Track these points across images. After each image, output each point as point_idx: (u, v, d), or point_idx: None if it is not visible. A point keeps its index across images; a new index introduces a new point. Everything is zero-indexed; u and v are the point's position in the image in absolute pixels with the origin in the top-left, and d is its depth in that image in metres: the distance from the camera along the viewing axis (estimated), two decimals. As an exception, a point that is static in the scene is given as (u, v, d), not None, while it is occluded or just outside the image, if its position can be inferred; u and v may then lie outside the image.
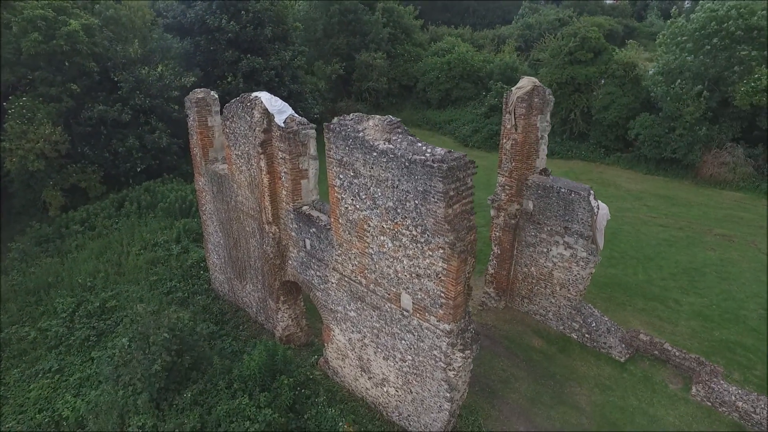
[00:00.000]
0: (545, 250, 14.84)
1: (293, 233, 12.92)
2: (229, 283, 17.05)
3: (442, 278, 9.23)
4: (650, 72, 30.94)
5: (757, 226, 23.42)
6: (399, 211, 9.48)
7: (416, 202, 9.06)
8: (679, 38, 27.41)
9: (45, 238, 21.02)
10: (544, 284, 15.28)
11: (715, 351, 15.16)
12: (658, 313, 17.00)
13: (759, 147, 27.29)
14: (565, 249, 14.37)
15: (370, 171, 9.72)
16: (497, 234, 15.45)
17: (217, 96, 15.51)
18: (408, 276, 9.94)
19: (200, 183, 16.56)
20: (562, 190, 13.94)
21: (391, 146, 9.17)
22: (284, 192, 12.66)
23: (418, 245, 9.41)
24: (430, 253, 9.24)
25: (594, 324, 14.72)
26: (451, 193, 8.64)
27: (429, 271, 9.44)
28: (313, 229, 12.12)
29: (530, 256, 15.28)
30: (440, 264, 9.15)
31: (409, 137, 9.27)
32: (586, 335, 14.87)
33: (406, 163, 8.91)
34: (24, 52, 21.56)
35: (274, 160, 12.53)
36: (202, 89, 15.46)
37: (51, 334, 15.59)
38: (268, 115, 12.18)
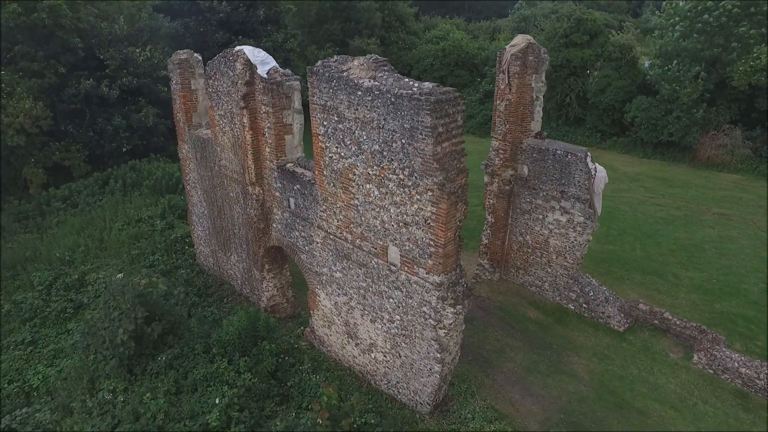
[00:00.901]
0: (541, 216, 14.30)
1: (277, 193, 12.32)
2: (213, 256, 16.42)
3: (431, 224, 8.66)
4: (646, 64, 30.48)
5: (755, 205, 22.99)
6: (385, 153, 8.91)
7: (403, 141, 8.49)
8: (673, 19, 27.03)
9: (24, 214, 20.31)
10: (540, 253, 14.73)
11: (716, 322, 14.64)
12: (657, 286, 16.49)
13: (757, 129, 26.89)
14: (562, 214, 13.84)
15: (354, 113, 9.15)
16: (491, 201, 14.90)
17: (200, 58, 14.92)
18: (395, 226, 9.36)
19: (184, 150, 15.94)
20: (558, 152, 13.42)
21: (376, 83, 8.61)
22: (268, 149, 12.07)
23: (406, 190, 8.84)
24: (418, 197, 8.68)
25: (592, 293, 14.18)
26: (440, 129, 8.08)
27: (417, 218, 8.87)
28: (297, 186, 11.53)
29: (525, 224, 14.73)
30: (429, 208, 8.58)
31: (396, 74, 8.72)
32: (584, 305, 14.33)
33: (392, 99, 8.35)
34: (2, 25, 20.87)
35: (257, 115, 11.94)
36: (185, 50, 14.86)
37: (25, 307, 14.89)
38: (250, 66, 11.60)
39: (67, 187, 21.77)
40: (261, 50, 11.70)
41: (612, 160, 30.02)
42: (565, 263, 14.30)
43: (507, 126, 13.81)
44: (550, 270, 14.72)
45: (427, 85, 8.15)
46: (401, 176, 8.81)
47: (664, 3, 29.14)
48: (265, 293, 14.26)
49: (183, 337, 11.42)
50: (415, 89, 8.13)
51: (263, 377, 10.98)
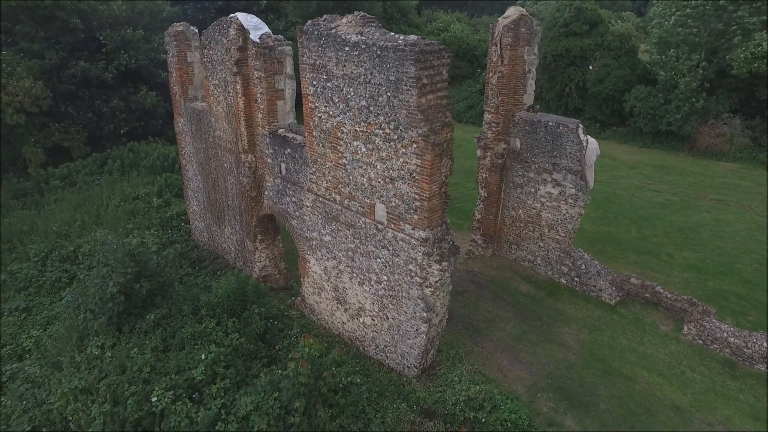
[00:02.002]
0: (533, 190, 14.33)
1: (269, 159, 12.41)
2: (208, 230, 16.52)
3: (416, 177, 8.72)
4: (648, 56, 30.39)
5: (753, 192, 22.89)
6: (372, 108, 8.98)
7: (389, 94, 8.56)
8: (670, 9, 27.06)
9: (23, 192, 20.50)
10: (533, 227, 14.75)
11: (708, 299, 14.58)
12: (651, 265, 16.48)
13: (756, 118, 26.80)
14: (554, 187, 13.86)
15: (342, 69, 9.22)
16: (484, 175, 14.94)
17: (197, 30, 15.04)
18: (382, 182, 9.42)
19: (180, 124, 16.07)
20: (550, 123, 13.45)
21: (363, 37, 8.68)
22: (260, 115, 12.16)
23: (391, 144, 8.91)
24: (404, 150, 8.74)
25: (584, 267, 14.19)
26: (424, 81, 8.13)
27: (403, 172, 8.93)
28: (288, 150, 11.62)
29: (518, 198, 14.76)
30: (414, 161, 8.64)
31: (383, 29, 8.78)
32: (576, 279, 14.34)
33: (378, 51, 8.41)
34: (3, 4, 21.07)
35: (250, 81, 12.04)
36: (181, 23, 14.99)
37: (21, 276, 15.03)
38: (243, 32, 11.70)
39: (66, 167, 21.94)
40: (254, 16, 11.80)
41: (611, 149, 29.95)
42: (557, 236, 14.31)
43: (499, 98, 13.85)
44: (542, 244, 14.74)
45: (412, 37, 8.22)
46: (387, 130, 8.87)
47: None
48: (258, 264, 14.34)
49: (171, 299, 11.50)
50: (400, 41, 8.19)
51: (251, 339, 11.04)
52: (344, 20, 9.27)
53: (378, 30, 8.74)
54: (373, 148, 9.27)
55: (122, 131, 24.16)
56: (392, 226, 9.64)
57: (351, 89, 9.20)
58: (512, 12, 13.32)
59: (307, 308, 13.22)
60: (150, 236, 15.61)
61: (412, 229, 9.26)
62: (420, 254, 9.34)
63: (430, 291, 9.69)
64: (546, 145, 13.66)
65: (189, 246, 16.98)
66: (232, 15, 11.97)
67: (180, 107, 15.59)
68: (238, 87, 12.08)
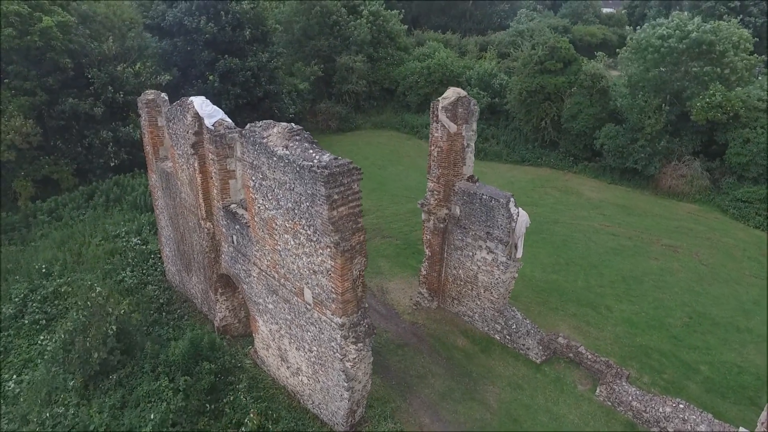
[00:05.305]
0: (471, 253, 15.58)
1: (223, 229, 13.73)
2: (179, 274, 17.89)
3: (332, 275, 10.02)
4: (612, 83, 31.43)
5: (703, 238, 24.02)
6: (296, 211, 10.27)
7: (307, 204, 9.85)
8: (636, 53, 28.18)
9: (11, 226, 21.87)
10: (471, 287, 16.01)
11: (633, 356, 15.84)
12: (588, 318, 17.67)
13: (716, 161, 27.89)
14: (488, 253, 15.11)
15: (273, 174, 10.51)
16: (428, 237, 16.19)
17: (167, 98, 16.31)
18: (307, 272, 10.73)
19: (152, 179, 17.41)
20: (484, 196, 14.68)
21: (287, 152, 9.96)
22: (215, 190, 13.47)
23: (312, 244, 10.20)
24: (321, 251, 10.03)
25: (515, 326, 15.45)
26: (335, 197, 9.41)
27: (322, 268, 10.23)
28: (238, 226, 12.93)
29: (458, 259, 16.02)
30: (329, 262, 9.93)
31: (305, 144, 10.06)
32: (507, 336, 15.60)
33: (298, 169, 9.70)
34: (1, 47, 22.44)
35: (206, 160, 13.34)
36: (152, 91, 16.29)
37: (1, 317, 16.41)
38: (199, 118, 12.98)
39: (54, 200, 23.32)
40: (209, 103, 13.08)
41: (580, 184, 31.14)
42: (492, 297, 15.57)
43: (440, 170, 15.09)
44: (479, 302, 16.00)
45: (326, 158, 9.49)
46: (308, 232, 10.16)
47: (629, 36, 30.25)
48: (218, 314, 15.69)
49: (135, 357, 12.88)
50: (315, 161, 9.46)
51: (200, 395, 12.41)
52: (275, 130, 10.54)
53: (301, 145, 10.01)
54: (299, 243, 10.58)
55: (112, 164, 25.51)
56: (317, 308, 10.95)
57: (280, 192, 10.49)
58: (450, 94, 14.53)
59: (259, 359, 14.57)
60: (126, 287, 16.92)
61: (332, 315, 10.57)
62: (339, 336, 10.65)
63: (350, 365, 11.00)
64: (481, 215, 14.90)
65: (161, 287, 18.33)
66: (189, 100, 13.22)
67: (152, 165, 16.92)
68: (195, 164, 13.39)
